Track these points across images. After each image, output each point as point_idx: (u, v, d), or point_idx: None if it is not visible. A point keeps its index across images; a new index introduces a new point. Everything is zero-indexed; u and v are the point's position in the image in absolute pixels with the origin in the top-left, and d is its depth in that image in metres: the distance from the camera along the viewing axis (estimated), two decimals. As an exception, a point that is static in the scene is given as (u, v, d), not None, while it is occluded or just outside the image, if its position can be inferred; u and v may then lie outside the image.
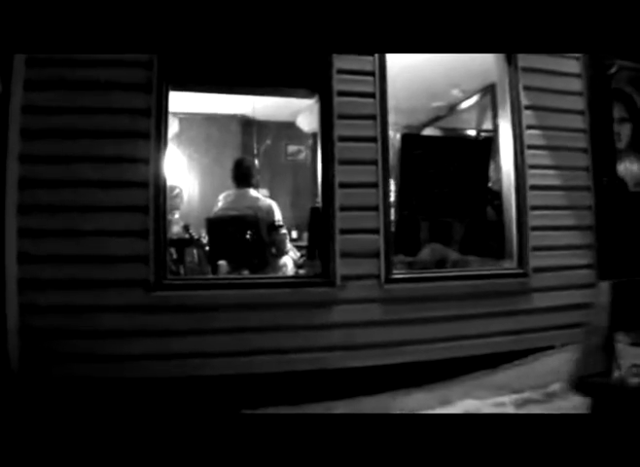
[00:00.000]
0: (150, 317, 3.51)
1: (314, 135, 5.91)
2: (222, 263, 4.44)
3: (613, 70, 4.95)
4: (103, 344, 3.43)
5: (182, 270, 4.60)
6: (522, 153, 4.29)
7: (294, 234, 5.91)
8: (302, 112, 5.95)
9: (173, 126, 5.23)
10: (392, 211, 4.07)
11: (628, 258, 4.32)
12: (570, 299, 4.26)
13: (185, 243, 4.74)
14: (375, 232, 3.87)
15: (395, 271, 3.93)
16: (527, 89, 4.37)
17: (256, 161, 5.76)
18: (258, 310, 3.66)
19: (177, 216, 5.19)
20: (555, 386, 3.39)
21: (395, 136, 4.36)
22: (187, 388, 3.47)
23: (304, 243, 4.96)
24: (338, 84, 3.90)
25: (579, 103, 4.57)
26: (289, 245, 4.63)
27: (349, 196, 3.84)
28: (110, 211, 3.52)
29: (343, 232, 3.82)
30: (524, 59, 4.36)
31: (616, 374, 2.37)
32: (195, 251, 4.83)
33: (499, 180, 4.52)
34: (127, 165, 3.57)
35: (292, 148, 7.03)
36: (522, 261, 4.23)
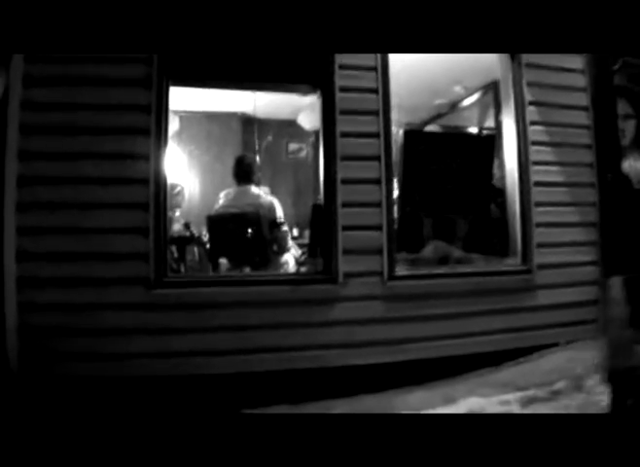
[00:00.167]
0: (150, 315, 3.49)
1: (315, 133, 5.91)
2: (223, 260, 4.40)
3: (616, 66, 4.92)
4: (103, 343, 3.41)
5: (182, 268, 4.56)
6: (526, 149, 4.26)
7: (295, 232, 5.87)
8: (303, 110, 5.92)
9: (174, 124, 5.21)
10: (395, 208, 4.04)
11: (633, 255, 4.28)
12: (574, 296, 4.25)
13: (185, 241, 4.71)
14: (378, 228, 3.85)
15: (398, 269, 3.90)
16: (531, 85, 4.34)
17: (257, 158, 5.72)
18: (259, 308, 3.63)
19: (178, 214, 5.16)
20: (561, 384, 3.36)
21: (398, 132, 4.33)
22: (188, 387, 3.45)
23: (305, 241, 4.93)
24: (341, 79, 3.88)
25: (582, 99, 4.54)
26: (290, 243, 4.60)
27: (352, 192, 3.81)
28: (110, 208, 3.49)
29: (346, 228, 3.79)
30: (528, 55, 4.33)
31: None
32: (195, 249, 4.80)
33: (503, 177, 4.48)
34: (127, 162, 3.54)
35: (293, 146, 6.99)
36: (526, 258, 4.20)
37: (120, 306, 3.44)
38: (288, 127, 6.66)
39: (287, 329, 3.65)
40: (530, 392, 3.32)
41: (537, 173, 4.27)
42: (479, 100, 5.98)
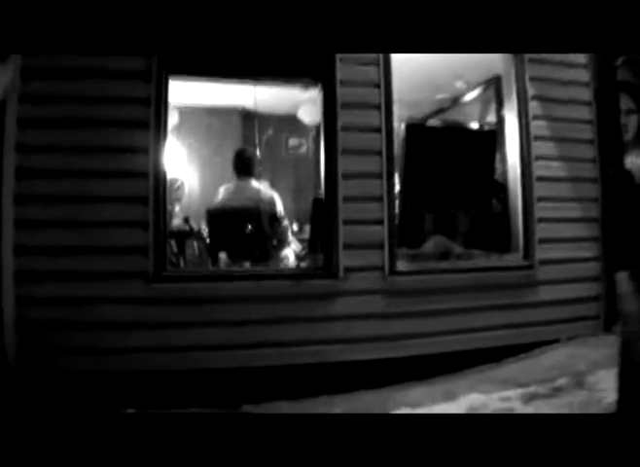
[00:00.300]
0: (149, 309, 3.47)
1: (316, 128, 5.86)
2: (222, 255, 4.38)
3: (619, 61, 4.90)
4: (102, 337, 3.39)
5: (182, 263, 4.54)
6: (529, 144, 4.23)
7: (294, 228, 5.84)
8: (304, 104, 5.87)
9: (173, 118, 5.16)
10: (396, 202, 4.01)
11: (635, 250, 4.26)
12: (576, 292, 4.24)
13: (185, 235, 4.68)
14: (379, 223, 3.83)
15: (399, 264, 3.88)
16: (533, 79, 4.32)
17: (257, 152, 5.69)
18: (259, 303, 3.62)
19: (178, 209, 5.13)
20: (562, 381, 3.34)
21: (399, 126, 4.30)
22: (188, 381, 3.43)
23: (305, 236, 4.90)
24: (342, 73, 3.85)
25: (585, 94, 4.51)
26: (290, 237, 4.57)
27: (353, 186, 3.79)
28: (109, 202, 3.48)
29: (347, 222, 3.77)
30: (531, 50, 4.30)
31: None
32: (195, 243, 4.77)
33: (504, 171, 4.46)
34: (126, 155, 3.52)
35: (293, 141, 6.95)
36: (528, 253, 4.19)
37: (119, 300, 3.43)
38: (288, 122, 6.59)
39: (287, 324, 3.64)
40: (531, 389, 3.30)
41: (539, 168, 4.25)
42: (480, 95, 5.93)
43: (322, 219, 3.91)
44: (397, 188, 4.17)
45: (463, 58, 4.75)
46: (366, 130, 3.87)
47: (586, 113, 4.48)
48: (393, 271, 3.83)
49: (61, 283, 3.37)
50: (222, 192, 4.54)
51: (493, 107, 5.64)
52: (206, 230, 4.56)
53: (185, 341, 3.48)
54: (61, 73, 3.46)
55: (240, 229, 4.22)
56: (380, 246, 3.82)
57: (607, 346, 3.80)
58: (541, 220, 4.21)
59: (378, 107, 3.89)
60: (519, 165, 4.25)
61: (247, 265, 4.24)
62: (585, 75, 4.52)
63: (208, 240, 4.54)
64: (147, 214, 3.49)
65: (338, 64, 3.84)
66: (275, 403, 3.32)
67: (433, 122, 6.34)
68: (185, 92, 4.91)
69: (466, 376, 3.68)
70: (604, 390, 3.07)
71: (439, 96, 6.27)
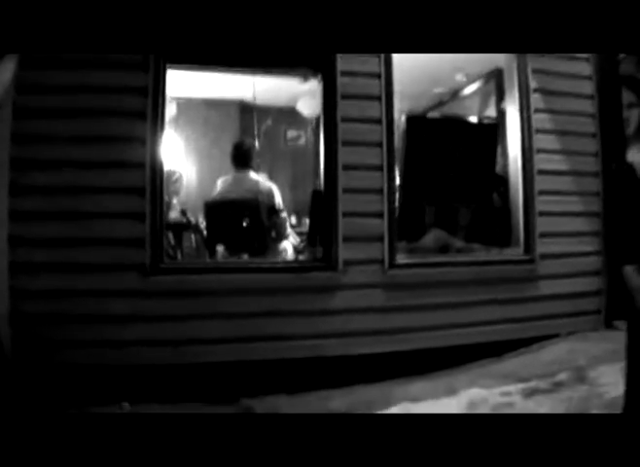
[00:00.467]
0: (146, 302, 3.44)
1: (314, 120, 5.84)
2: (219, 247, 4.34)
3: (622, 55, 4.85)
4: (97, 330, 3.35)
5: (179, 255, 4.51)
6: (530, 136, 4.20)
7: (293, 220, 5.82)
8: (302, 96, 5.85)
9: (171, 109, 5.12)
10: (396, 195, 3.97)
11: (636, 245, 4.24)
12: (577, 286, 4.22)
13: (182, 228, 4.65)
14: (379, 215, 3.80)
15: (399, 257, 3.85)
16: (536, 72, 4.28)
17: (256, 143, 5.66)
18: (257, 296, 3.59)
19: (175, 201, 5.09)
20: (563, 376, 3.31)
21: (400, 118, 4.26)
22: (185, 375, 3.40)
23: (304, 229, 4.89)
24: (343, 63, 3.81)
25: (588, 87, 4.49)
26: (289, 230, 4.54)
27: (353, 178, 3.76)
28: (106, 193, 3.43)
29: (346, 215, 3.74)
30: (532, 42, 4.26)
31: None
32: (192, 236, 4.74)
33: (506, 165, 4.43)
34: (123, 146, 3.48)
35: (291, 133, 6.91)
36: (529, 247, 4.16)
37: (115, 293, 3.39)
38: (286, 115, 6.58)
39: (286, 317, 3.61)
40: (532, 383, 3.27)
41: (541, 161, 4.22)
42: (480, 88, 5.91)
43: (321, 211, 3.88)
44: (397, 181, 4.13)
45: (464, 50, 4.73)
46: (366, 121, 3.83)
47: (588, 106, 4.45)
48: (393, 265, 3.80)
49: (56, 275, 3.33)
50: (220, 184, 4.51)
51: (493, 100, 5.61)
52: (204, 222, 4.53)
53: (182, 334, 3.44)
54: (58, 62, 3.40)
55: (238, 221, 4.20)
56: (380, 239, 3.79)
57: (608, 341, 3.80)
58: (542, 214, 4.18)
59: (379, 98, 3.85)
60: (521, 159, 4.22)
61: (245, 257, 4.21)
62: (587, 68, 4.49)
63: (206, 233, 4.51)
64: (144, 205, 3.44)
65: (339, 54, 3.79)
66: (274, 397, 3.30)
67: (434, 114, 6.32)
68: (183, 84, 4.88)
69: (466, 370, 3.66)
70: (605, 385, 3.05)
71: (438, 89, 6.24)
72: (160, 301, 3.45)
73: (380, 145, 3.83)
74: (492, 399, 3.08)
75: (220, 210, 4.33)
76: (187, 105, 5.94)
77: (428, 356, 3.73)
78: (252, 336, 3.53)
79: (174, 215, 4.79)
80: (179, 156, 6.03)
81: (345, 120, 3.78)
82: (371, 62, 3.87)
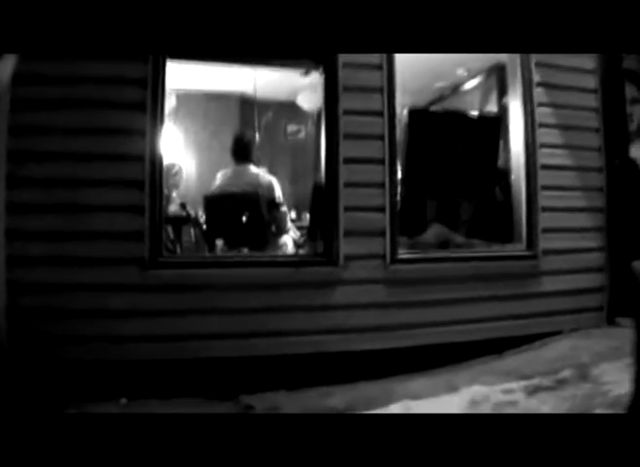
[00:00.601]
0: (145, 296, 3.41)
1: (315, 114, 5.80)
2: (219, 242, 4.31)
3: (625, 52, 4.82)
4: (95, 325, 3.32)
5: (178, 249, 4.47)
6: (533, 131, 4.16)
7: (293, 215, 5.79)
8: (303, 90, 5.82)
9: (171, 102, 5.09)
10: (398, 189, 3.93)
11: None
12: (580, 282, 4.20)
13: (182, 221, 4.62)
14: (381, 210, 3.77)
15: (400, 252, 3.83)
16: (539, 65, 4.25)
17: (256, 136, 5.62)
18: (257, 290, 3.56)
19: (175, 194, 5.05)
20: (566, 373, 3.29)
21: (402, 112, 4.22)
22: (184, 371, 3.37)
23: (304, 224, 4.87)
24: (344, 55, 3.76)
25: (591, 82, 4.45)
26: (289, 224, 4.50)
27: (354, 172, 3.73)
28: (104, 186, 3.40)
29: (347, 209, 3.71)
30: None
31: None
32: (192, 230, 4.71)
33: (508, 159, 4.40)
34: (122, 138, 3.45)
35: (291, 127, 6.88)
36: (531, 243, 4.12)
37: (113, 287, 3.37)
38: (287, 109, 6.55)
39: (286, 312, 3.58)
40: (535, 381, 3.25)
41: (544, 156, 4.18)
42: (481, 83, 5.88)
43: (322, 205, 3.85)
44: (399, 175, 4.10)
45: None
46: (368, 114, 3.79)
47: (591, 100, 4.42)
48: (394, 260, 3.77)
49: (54, 269, 3.30)
50: (219, 177, 4.48)
51: (494, 95, 5.58)
52: (203, 216, 4.50)
53: (181, 329, 3.41)
54: (56, 53, 3.34)
55: (238, 215, 4.16)
56: (382, 234, 3.76)
57: (610, 338, 3.78)
58: (545, 209, 4.15)
59: (381, 90, 3.82)
60: (523, 153, 4.18)
61: (245, 251, 4.18)
62: (590, 62, 4.45)
63: (205, 226, 4.48)
64: (143, 199, 3.41)
65: (341, 48, 3.76)
66: (273, 393, 3.28)
67: (436, 108, 6.28)
68: (183, 76, 4.83)
69: (468, 367, 3.64)
70: (608, 383, 3.04)
71: (440, 84, 6.20)
72: (158, 295, 3.43)
73: (382, 138, 3.80)
74: (494, 396, 3.06)
75: (220, 204, 4.30)
76: (187, 98, 5.90)
77: (429, 352, 3.71)
78: (252, 331, 3.50)
79: (173, 208, 4.75)
80: (179, 149, 6.01)
81: (347, 112, 3.74)
82: (372, 54, 3.82)
